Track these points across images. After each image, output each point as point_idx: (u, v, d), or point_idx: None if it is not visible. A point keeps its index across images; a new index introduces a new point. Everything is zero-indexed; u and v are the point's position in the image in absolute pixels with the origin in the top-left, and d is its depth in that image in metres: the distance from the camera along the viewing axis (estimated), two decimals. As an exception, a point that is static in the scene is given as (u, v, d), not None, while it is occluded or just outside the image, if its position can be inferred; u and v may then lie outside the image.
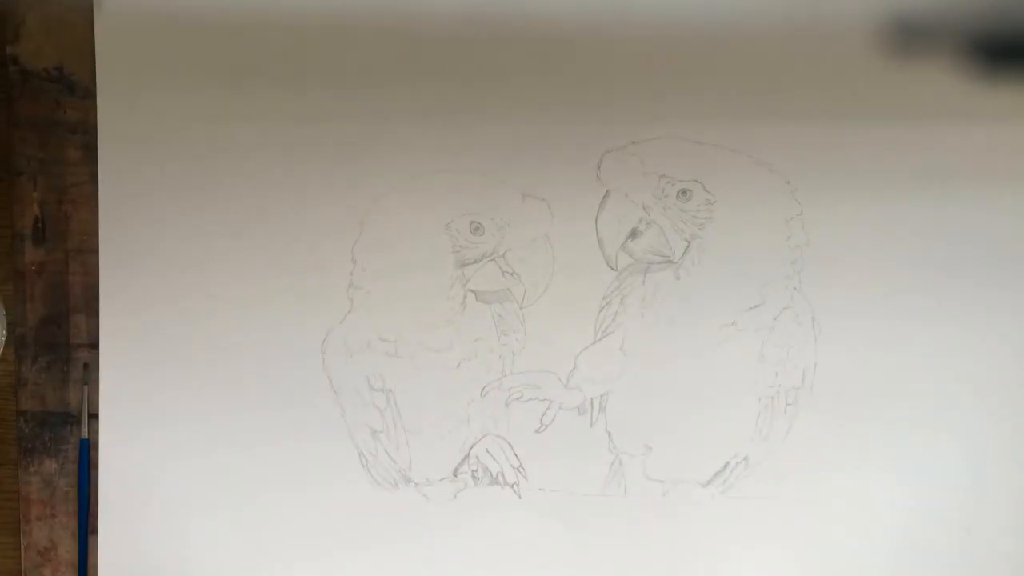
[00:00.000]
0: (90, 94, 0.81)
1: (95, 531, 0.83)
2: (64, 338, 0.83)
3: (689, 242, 0.81)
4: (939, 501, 0.82)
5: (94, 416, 0.83)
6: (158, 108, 0.81)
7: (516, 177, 0.81)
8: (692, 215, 0.81)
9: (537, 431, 0.82)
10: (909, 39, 0.79)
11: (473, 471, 0.83)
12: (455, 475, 0.83)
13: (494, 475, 0.82)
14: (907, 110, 0.80)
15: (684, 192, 0.81)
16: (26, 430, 0.84)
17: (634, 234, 0.81)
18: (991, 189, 0.81)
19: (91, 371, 0.83)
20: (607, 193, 0.81)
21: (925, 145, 0.80)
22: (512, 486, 0.82)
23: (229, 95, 0.81)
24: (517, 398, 0.81)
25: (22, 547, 0.84)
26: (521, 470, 0.82)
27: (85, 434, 0.83)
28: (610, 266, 0.81)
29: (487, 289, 0.82)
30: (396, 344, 0.82)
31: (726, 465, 0.82)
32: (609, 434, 0.82)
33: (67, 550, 0.84)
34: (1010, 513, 0.82)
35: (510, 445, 0.82)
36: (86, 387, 0.83)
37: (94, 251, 0.82)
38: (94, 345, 0.83)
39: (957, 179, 0.81)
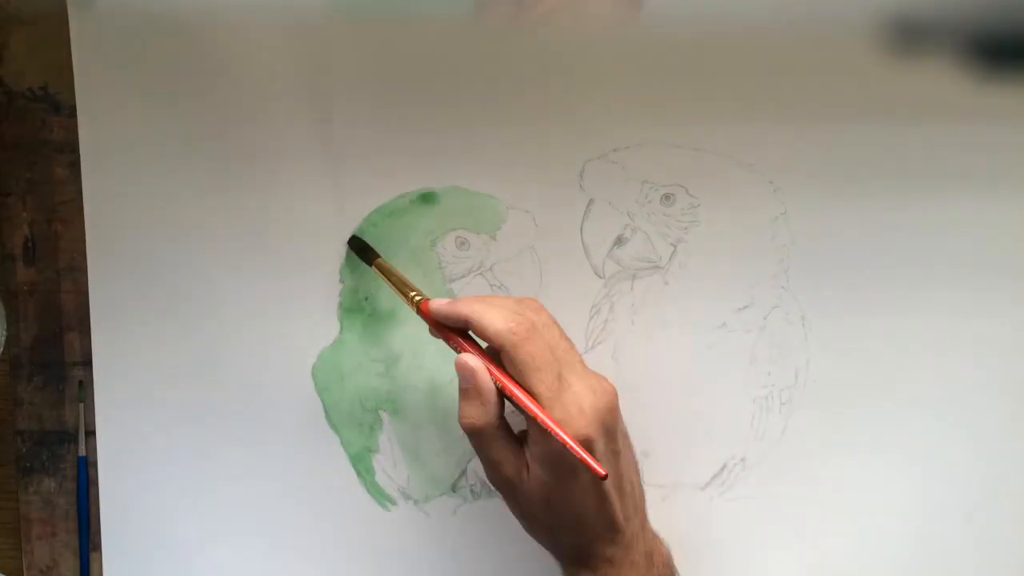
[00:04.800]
0: (75, 112, 0.81)
1: (96, 548, 0.84)
2: (59, 356, 0.83)
3: (675, 246, 0.81)
4: (938, 490, 0.82)
5: (91, 433, 0.83)
6: (141, 120, 0.80)
7: (499, 190, 0.81)
8: (676, 219, 0.81)
9: (533, 443, 0.82)
10: (906, 38, 0.79)
11: (471, 486, 0.84)
12: (454, 490, 0.83)
13: (492, 489, 0.82)
14: (902, 109, 0.79)
15: (667, 197, 0.80)
16: (24, 450, 0.84)
17: (620, 241, 0.81)
18: (988, 188, 0.80)
19: (87, 389, 0.83)
20: (591, 202, 0.81)
21: (918, 144, 0.80)
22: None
23: (213, 106, 0.80)
24: (511, 411, 0.81)
25: (24, 567, 0.84)
26: (519, 482, 0.82)
27: (83, 452, 0.84)
28: (597, 274, 0.81)
29: (476, 304, 0.82)
30: (387, 364, 0.82)
31: (723, 467, 0.82)
32: (605, 442, 0.82)
33: (69, 569, 0.85)
34: (1010, 500, 0.82)
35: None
36: (82, 405, 0.83)
37: (85, 269, 0.82)
38: (88, 363, 0.83)
39: (952, 177, 0.80)
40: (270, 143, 0.80)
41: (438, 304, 0.73)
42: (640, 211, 0.81)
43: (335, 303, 0.82)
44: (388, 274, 0.78)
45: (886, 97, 0.79)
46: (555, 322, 0.73)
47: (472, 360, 0.71)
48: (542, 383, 0.69)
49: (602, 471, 0.67)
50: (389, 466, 0.83)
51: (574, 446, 0.67)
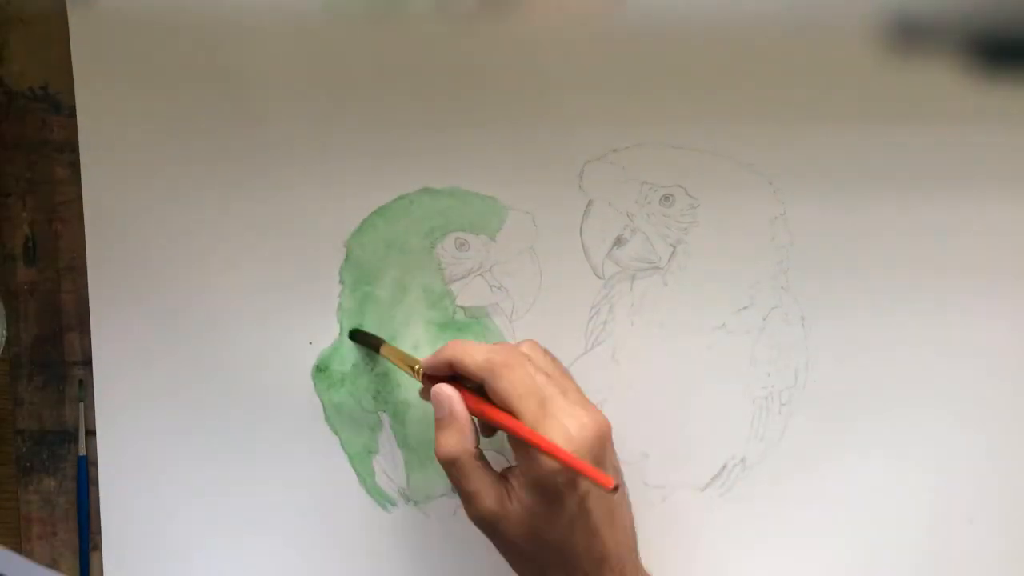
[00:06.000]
0: (75, 112, 0.81)
1: (96, 548, 0.84)
2: (59, 356, 0.83)
3: (674, 247, 0.81)
4: (939, 492, 0.82)
5: (91, 433, 0.83)
6: (141, 120, 0.80)
7: (499, 190, 0.81)
8: (676, 220, 0.80)
9: (533, 444, 0.82)
10: (907, 38, 0.78)
11: (471, 487, 0.83)
12: (454, 491, 0.83)
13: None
14: (902, 109, 0.79)
15: (667, 197, 0.80)
16: (24, 449, 0.84)
17: (619, 242, 0.81)
18: (989, 188, 0.79)
19: (87, 388, 0.83)
20: (590, 202, 0.80)
21: (917, 144, 0.79)
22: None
23: (213, 106, 0.80)
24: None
25: (24, 566, 0.84)
26: (519, 483, 0.82)
27: (83, 451, 0.84)
28: (597, 275, 0.81)
29: (476, 304, 0.82)
30: (387, 364, 0.82)
31: (723, 468, 0.82)
32: (605, 443, 0.82)
33: (69, 569, 0.85)
34: (1012, 502, 0.82)
35: (507, 459, 0.81)
36: (82, 404, 0.83)
37: (85, 269, 0.82)
38: (88, 363, 0.83)
39: (953, 177, 0.79)
40: (270, 143, 0.80)
41: (427, 360, 0.75)
42: (639, 212, 0.80)
43: (335, 303, 0.82)
44: (392, 355, 0.79)
45: (886, 97, 0.79)
46: (546, 353, 0.76)
47: (447, 388, 0.73)
48: (527, 411, 0.69)
49: (610, 482, 0.65)
50: (389, 467, 0.83)
51: (574, 459, 0.66)
